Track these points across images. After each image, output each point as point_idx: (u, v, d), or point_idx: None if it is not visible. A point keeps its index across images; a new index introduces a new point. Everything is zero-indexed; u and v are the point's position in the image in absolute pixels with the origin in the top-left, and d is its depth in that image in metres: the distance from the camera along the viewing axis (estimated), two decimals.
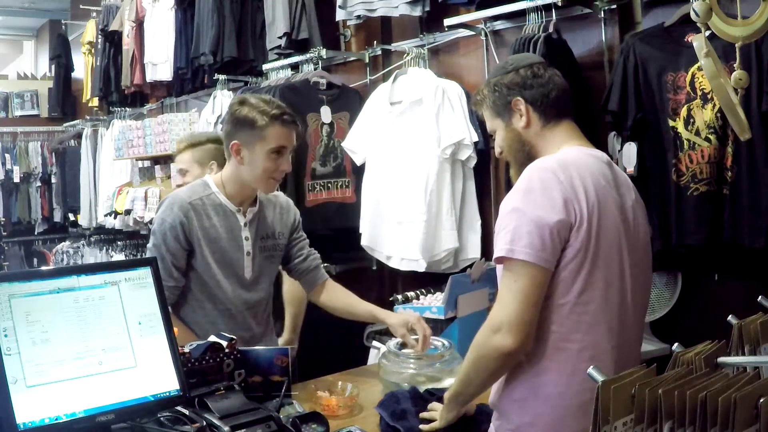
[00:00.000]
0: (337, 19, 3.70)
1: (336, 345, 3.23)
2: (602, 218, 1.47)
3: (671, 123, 2.36)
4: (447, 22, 3.09)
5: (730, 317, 1.30)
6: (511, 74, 1.63)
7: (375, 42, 3.75)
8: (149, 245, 2.17)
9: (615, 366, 1.46)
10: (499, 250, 1.48)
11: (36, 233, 8.15)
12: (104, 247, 6.45)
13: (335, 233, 3.58)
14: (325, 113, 3.56)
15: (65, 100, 7.85)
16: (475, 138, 3.09)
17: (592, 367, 1.06)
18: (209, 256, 2.14)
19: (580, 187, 1.47)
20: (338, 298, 2.36)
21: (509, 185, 2.80)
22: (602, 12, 2.74)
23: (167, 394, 1.63)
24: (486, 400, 1.68)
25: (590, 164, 1.53)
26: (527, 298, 1.44)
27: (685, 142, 2.33)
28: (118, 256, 6.02)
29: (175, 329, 1.73)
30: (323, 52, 3.65)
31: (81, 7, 7.02)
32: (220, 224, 2.15)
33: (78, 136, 7.11)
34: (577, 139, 1.62)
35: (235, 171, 2.16)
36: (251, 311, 2.23)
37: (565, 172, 1.47)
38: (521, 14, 2.83)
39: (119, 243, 6.31)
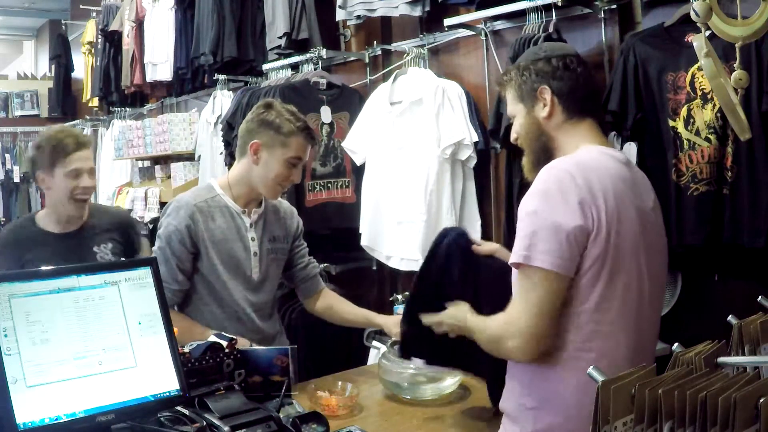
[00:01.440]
0: (337, 19, 3.70)
1: (336, 345, 3.23)
2: (621, 224, 1.43)
3: (671, 123, 2.36)
4: (447, 22, 3.09)
5: (730, 317, 1.30)
6: (542, 61, 1.58)
7: (375, 42, 3.75)
8: (154, 248, 2.17)
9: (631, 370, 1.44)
10: (515, 256, 1.43)
11: None
12: None
13: (335, 233, 3.58)
14: (325, 113, 3.56)
15: (65, 100, 7.85)
16: (475, 138, 3.08)
17: (592, 367, 1.06)
18: (215, 257, 2.15)
19: (599, 191, 1.42)
20: (334, 305, 2.38)
21: (510, 185, 2.82)
22: (602, 12, 2.74)
23: (167, 394, 1.63)
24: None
25: (610, 166, 1.49)
26: (544, 307, 1.41)
27: (685, 142, 2.33)
28: None
29: (176, 329, 1.74)
30: (323, 52, 3.66)
31: (81, 7, 7.02)
32: (225, 225, 2.17)
33: None
34: (597, 138, 1.58)
35: (246, 171, 2.18)
36: (258, 313, 2.24)
37: (584, 175, 1.43)
38: (521, 14, 2.83)
39: None
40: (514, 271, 1.49)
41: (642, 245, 1.48)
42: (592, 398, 1.41)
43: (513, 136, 1.66)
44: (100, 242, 2.43)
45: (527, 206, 1.44)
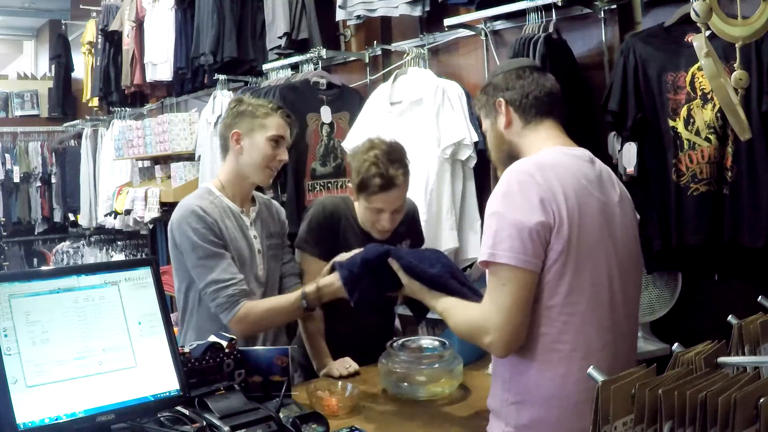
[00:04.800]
0: (337, 19, 3.70)
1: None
2: (583, 219, 1.48)
3: (671, 123, 2.37)
4: (447, 22, 3.10)
5: (730, 317, 1.31)
6: (498, 76, 1.70)
7: (375, 42, 3.75)
8: (193, 263, 2.09)
9: (608, 364, 1.47)
10: (482, 254, 1.50)
11: (36, 233, 8.15)
12: (104, 247, 6.45)
13: None
14: (325, 113, 3.56)
15: (65, 100, 7.85)
16: (475, 138, 3.08)
17: (591, 367, 1.06)
18: (233, 254, 2.14)
19: (559, 188, 1.47)
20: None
21: None
22: (602, 12, 2.74)
23: (167, 394, 1.63)
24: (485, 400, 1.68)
25: (570, 165, 1.54)
26: (515, 302, 1.46)
27: (685, 142, 2.33)
28: (118, 256, 6.03)
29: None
30: (323, 52, 3.66)
31: (81, 7, 7.02)
32: (232, 226, 2.17)
33: (78, 136, 7.11)
34: (559, 138, 1.64)
35: (234, 165, 2.20)
36: None
37: (543, 174, 1.49)
38: (521, 14, 2.83)
39: (119, 243, 6.32)
40: (486, 271, 1.53)
41: (607, 238, 1.53)
42: (572, 390, 1.46)
43: (489, 152, 1.77)
44: (403, 239, 2.36)
45: (490, 207, 1.51)
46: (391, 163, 2.14)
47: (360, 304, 1.90)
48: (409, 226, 2.38)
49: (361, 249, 1.97)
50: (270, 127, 2.17)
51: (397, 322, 2.67)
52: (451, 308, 1.65)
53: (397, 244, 2.28)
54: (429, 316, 2.44)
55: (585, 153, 1.62)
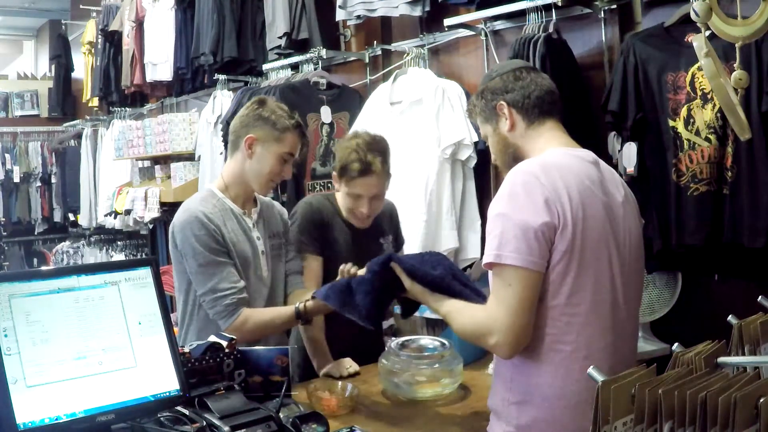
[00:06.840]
0: (337, 19, 3.71)
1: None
2: (587, 219, 1.48)
3: (671, 123, 2.37)
4: (447, 22, 3.10)
5: (730, 317, 1.31)
6: (495, 80, 1.68)
7: (375, 42, 3.75)
8: (194, 269, 2.08)
9: (610, 364, 1.47)
10: (487, 256, 1.49)
11: (36, 233, 8.15)
12: (104, 247, 6.46)
13: None
14: (325, 113, 3.56)
15: (65, 100, 7.86)
16: (475, 138, 3.09)
17: (591, 367, 1.06)
18: (235, 259, 2.14)
19: (563, 189, 1.48)
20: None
21: None
22: (602, 12, 2.74)
23: (167, 394, 1.62)
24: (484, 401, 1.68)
25: (573, 166, 1.55)
26: (520, 302, 1.46)
27: (685, 142, 2.33)
28: (118, 256, 6.03)
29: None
30: (323, 52, 3.66)
31: (81, 7, 7.03)
32: (235, 228, 2.16)
33: (78, 136, 7.12)
34: (562, 139, 1.64)
35: (239, 167, 2.18)
36: None
37: (548, 174, 1.49)
38: (521, 14, 2.84)
39: (119, 243, 6.33)
40: (490, 272, 1.53)
41: (611, 239, 1.53)
42: (573, 390, 1.46)
43: (492, 157, 1.74)
44: (384, 234, 2.45)
45: (495, 209, 1.51)
46: (370, 151, 2.23)
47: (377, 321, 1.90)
48: (390, 223, 2.48)
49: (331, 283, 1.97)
50: (285, 144, 2.15)
51: (399, 323, 2.67)
52: (455, 311, 1.63)
53: (380, 238, 2.40)
54: (429, 315, 2.44)
55: (589, 154, 1.62)
